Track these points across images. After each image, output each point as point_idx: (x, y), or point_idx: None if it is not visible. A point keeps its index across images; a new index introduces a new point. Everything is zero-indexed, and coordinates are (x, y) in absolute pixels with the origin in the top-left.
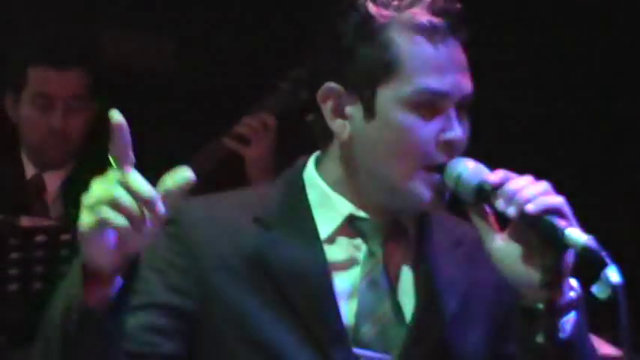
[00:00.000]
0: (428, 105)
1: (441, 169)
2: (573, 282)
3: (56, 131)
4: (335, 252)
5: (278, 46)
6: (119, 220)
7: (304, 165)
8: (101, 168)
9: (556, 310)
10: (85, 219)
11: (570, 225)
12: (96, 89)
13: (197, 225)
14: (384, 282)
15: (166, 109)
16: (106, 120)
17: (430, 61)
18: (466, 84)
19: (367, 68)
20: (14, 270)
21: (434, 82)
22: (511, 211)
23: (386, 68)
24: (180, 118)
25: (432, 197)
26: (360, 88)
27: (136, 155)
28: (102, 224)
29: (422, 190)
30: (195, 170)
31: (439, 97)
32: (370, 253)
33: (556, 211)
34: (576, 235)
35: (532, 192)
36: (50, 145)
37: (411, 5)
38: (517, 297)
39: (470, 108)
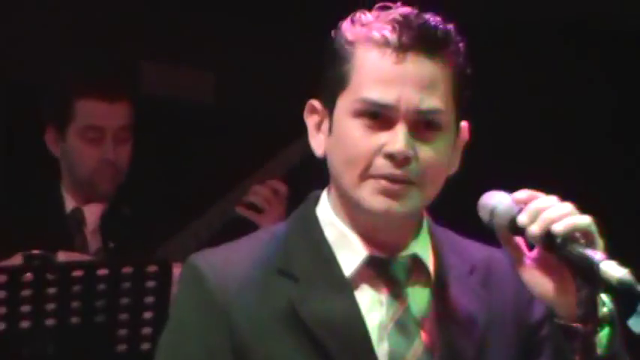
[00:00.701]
0: (371, 116)
1: (388, 177)
2: (604, 297)
3: (108, 162)
4: (359, 294)
5: (316, 79)
6: None
7: (317, 200)
8: (139, 200)
9: (592, 331)
10: None
11: (603, 256)
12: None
13: (223, 285)
14: (410, 322)
15: (204, 140)
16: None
17: (375, 74)
18: (419, 99)
19: (331, 82)
20: (51, 305)
21: (375, 93)
22: (534, 229)
23: (341, 80)
24: (217, 149)
25: (380, 203)
26: (327, 102)
27: (173, 186)
28: None
29: (367, 196)
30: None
31: (381, 108)
32: (393, 294)
33: (583, 232)
34: (611, 269)
35: (559, 212)
36: (102, 176)
37: (379, 22)
38: (552, 316)
39: (438, 125)
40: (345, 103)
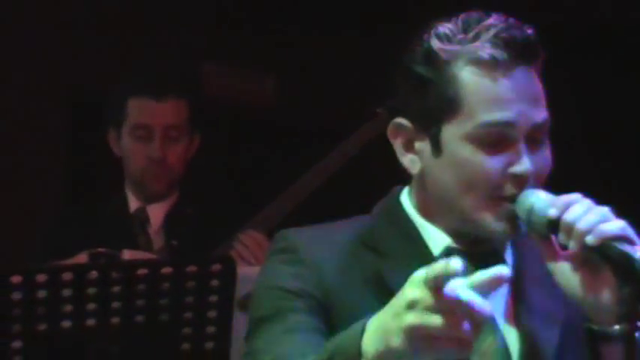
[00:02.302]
0: (492, 138)
1: (512, 198)
2: None
3: (156, 161)
4: None
5: (377, 82)
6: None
7: (399, 194)
8: (202, 200)
9: (634, 330)
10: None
11: None
12: (198, 122)
13: (313, 250)
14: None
15: (266, 141)
16: (208, 153)
17: (491, 95)
18: (535, 113)
19: (432, 105)
20: (116, 303)
21: (495, 115)
22: (572, 245)
23: (449, 105)
24: (278, 150)
25: (503, 227)
26: (426, 124)
27: (235, 186)
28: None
29: (492, 220)
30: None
31: (502, 129)
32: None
33: (617, 238)
34: None
35: (590, 222)
36: (151, 175)
37: (474, 39)
38: (585, 320)
39: (548, 134)
40: (458, 128)
